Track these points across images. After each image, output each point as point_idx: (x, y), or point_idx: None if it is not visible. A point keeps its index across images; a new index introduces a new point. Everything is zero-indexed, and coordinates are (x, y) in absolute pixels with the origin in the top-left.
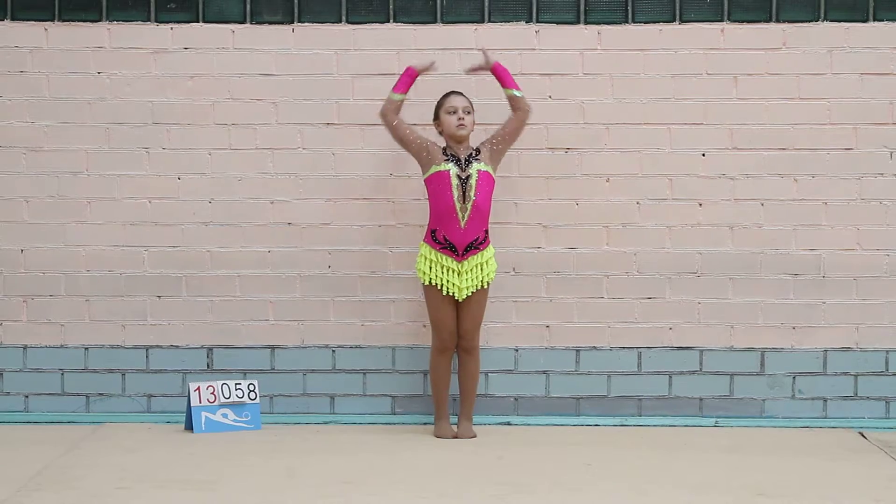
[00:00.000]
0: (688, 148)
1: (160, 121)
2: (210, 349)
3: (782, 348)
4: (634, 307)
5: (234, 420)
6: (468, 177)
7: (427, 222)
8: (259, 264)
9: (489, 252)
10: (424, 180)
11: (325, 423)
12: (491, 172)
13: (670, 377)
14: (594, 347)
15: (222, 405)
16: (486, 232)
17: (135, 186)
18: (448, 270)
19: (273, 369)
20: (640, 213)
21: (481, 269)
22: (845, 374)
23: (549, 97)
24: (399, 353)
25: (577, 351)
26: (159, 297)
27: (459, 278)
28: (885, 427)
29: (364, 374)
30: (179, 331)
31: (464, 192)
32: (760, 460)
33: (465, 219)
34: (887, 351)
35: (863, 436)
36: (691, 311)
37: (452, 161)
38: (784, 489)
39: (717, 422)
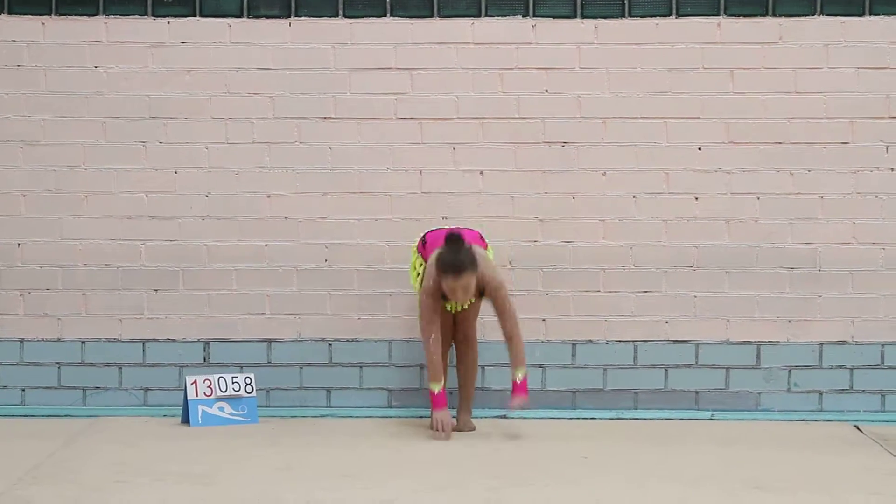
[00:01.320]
0: (684, 142)
1: (157, 115)
2: (207, 343)
3: (778, 342)
4: (630, 301)
5: (231, 413)
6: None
7: (421, 236)
8: (256, 258)
9: None
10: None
11: (322, 416)
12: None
13: (666, 370)
14: (590, 341)
15: (219, 399)
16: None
17: (132, 180)
18: None
19: (270, 363)
20: (637, 206)
21: None
22: (841, 367)
23: (546, 91)
24: (395, 346)
25: (574, 344)
26: (156, 290)
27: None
28: (880, 420)
29: (361, 367)
30: (176, 324)
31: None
32: (756, 453)
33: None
34: (883, 344)
35: (858, 429)
36: (687, 305)
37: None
38: (780, 482)
39: (712, 415)
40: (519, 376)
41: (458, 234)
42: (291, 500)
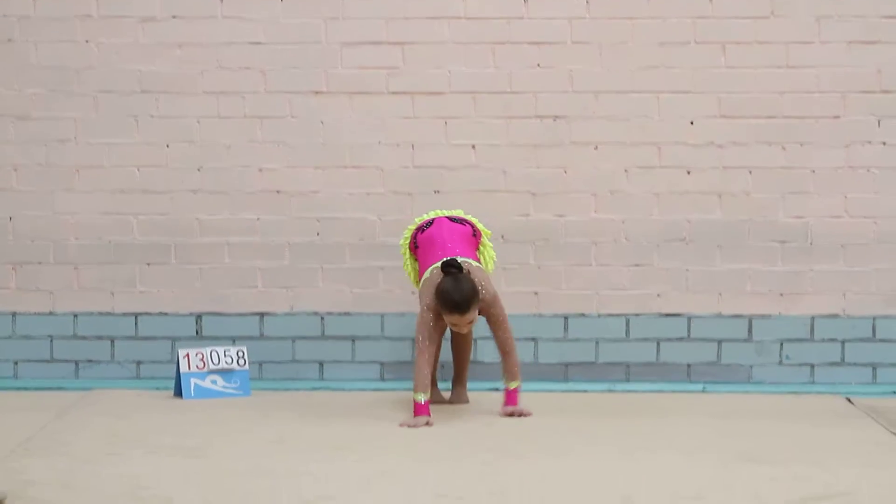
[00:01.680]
0: (676, 116)
1: (148, 89)
2: (199, 316)
3: (770, 315)
4: (622, 274)
5: (224, 386)
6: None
7: (410, 231)
8: (248, 231)
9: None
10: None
11: (315, 389)
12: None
13: (658, 343)
14: (582, 314)
15: (211, 372)
16: None
17: (123, 154)
18: None
19: (262, 336)
20: (629, 180)
21: None
22: (832, 340)
23: (538, 65)
24: (388, 319)
25: (566, 318)
26: (148, 264)
27: None
28: (871, 393)
29: (353, 340)
30: (168, 298)
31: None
32: (749, 426)
33: None
34: (874, 317)
35: (850, 401)
36: (679, 278)
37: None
38: (773, 454)
39: (704, 388)
40: (511, 386)
41: (455, 262)
42: (284, 473)
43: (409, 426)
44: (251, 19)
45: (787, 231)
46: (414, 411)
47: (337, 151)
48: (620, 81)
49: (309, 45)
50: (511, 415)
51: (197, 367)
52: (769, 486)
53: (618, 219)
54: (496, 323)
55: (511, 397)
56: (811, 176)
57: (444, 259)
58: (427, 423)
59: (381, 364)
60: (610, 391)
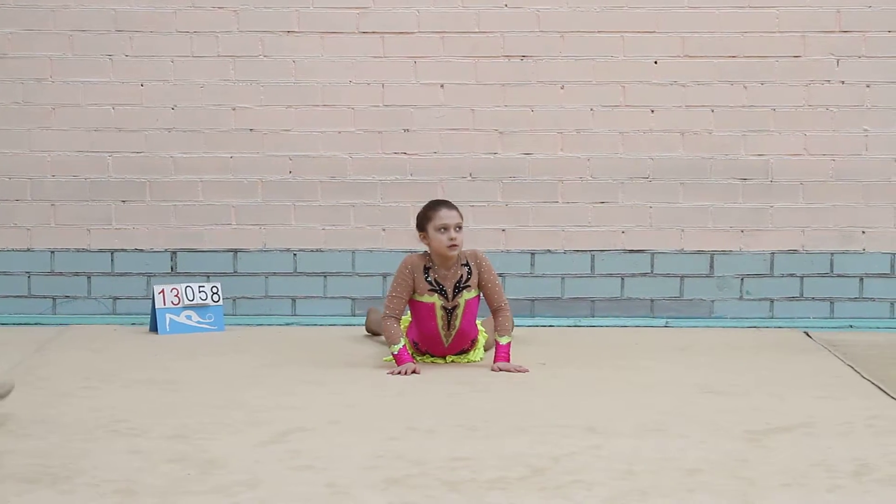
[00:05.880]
0: (640, 56)
1: (123, 28)
2: (174, 252)
3: (731, 251)
4: (588, 211)
5: (198, 322)
6: (455, 307)
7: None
8: (221, 170)
9: (479, 353)
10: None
11: (287, 324)
12: (477, 296)
13: (622, 279)
14: (548, 251)
15: (186, 307)
16: (473, 341)
17: (98, 93)
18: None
19: (236, 272)
20: (594, 119)
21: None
22: (791, 275)
23: (505, 6)
24: (358, 256)
25: (532, 254)
26: (123, 201)
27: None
28: (829, 327)
29: (325, 276)
30: (144, 235)
31: (448, 322)
32: (709, 359)
33: (450, 341)
34: (832, 253)
35: (808, 335)
36: (643, 215)
37: (437, 291)
38: (732, 386)
39: (667, 322)
40: (503, 341)
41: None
42: (257, 406)
43: (396, 374)
44: None
45: (748, 169)
46: (397, 362)
47: (309, 90)
48: (586, 22)
49: None
50: (503, 371)
51: (172, 302)
52: (729, 417)
53: (583, 157)
54: (492, 282)
55: (502, 352)
56: (772, 114)
57: None
58: (414, 371)
59: (352, 299)
60: (575, 326)
